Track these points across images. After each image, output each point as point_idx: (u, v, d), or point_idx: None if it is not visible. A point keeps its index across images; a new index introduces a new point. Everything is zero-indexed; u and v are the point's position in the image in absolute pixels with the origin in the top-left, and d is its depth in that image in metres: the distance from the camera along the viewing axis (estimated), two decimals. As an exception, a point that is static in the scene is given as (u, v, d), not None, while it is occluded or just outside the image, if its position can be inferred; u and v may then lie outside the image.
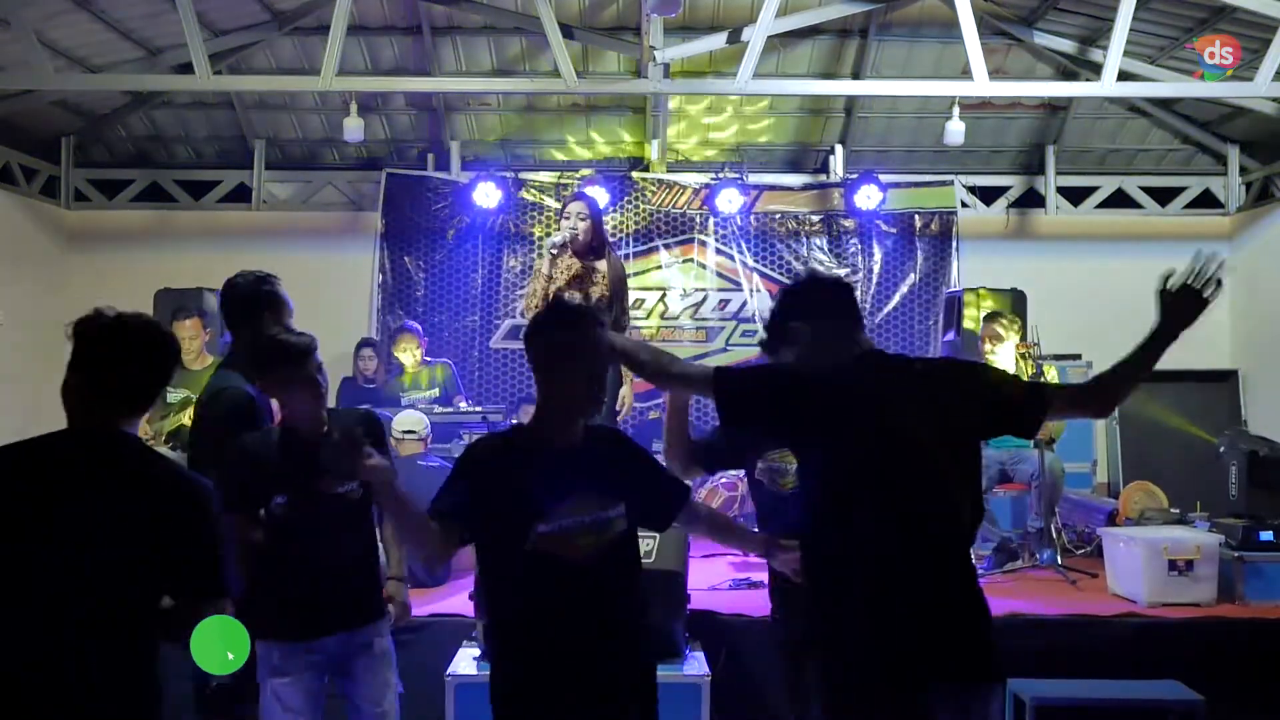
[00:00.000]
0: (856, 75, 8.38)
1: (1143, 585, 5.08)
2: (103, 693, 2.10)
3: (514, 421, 7.47)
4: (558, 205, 8.32)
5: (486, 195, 8.36)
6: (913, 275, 8.86)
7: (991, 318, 6.42)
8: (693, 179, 8.88)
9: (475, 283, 8.82)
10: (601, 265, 5.28)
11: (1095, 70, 7.45)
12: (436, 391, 7.35)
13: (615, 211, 8.75)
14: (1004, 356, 6.24)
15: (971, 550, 2.58)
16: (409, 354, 7.46)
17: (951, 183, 8.93)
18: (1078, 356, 7.78)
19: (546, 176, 8.92)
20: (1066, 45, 8.03)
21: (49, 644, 2.08)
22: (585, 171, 8.81)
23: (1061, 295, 8.25)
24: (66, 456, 2.16)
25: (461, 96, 8.67)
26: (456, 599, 4.97)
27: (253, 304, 3.53)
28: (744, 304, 8.83)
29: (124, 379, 2.22)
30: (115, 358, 2.20)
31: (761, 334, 2.80)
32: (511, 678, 2.54)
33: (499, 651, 2.62)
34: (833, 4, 7.69)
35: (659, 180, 8.89)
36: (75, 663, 2.09)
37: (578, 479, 2.51)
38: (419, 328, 7.79)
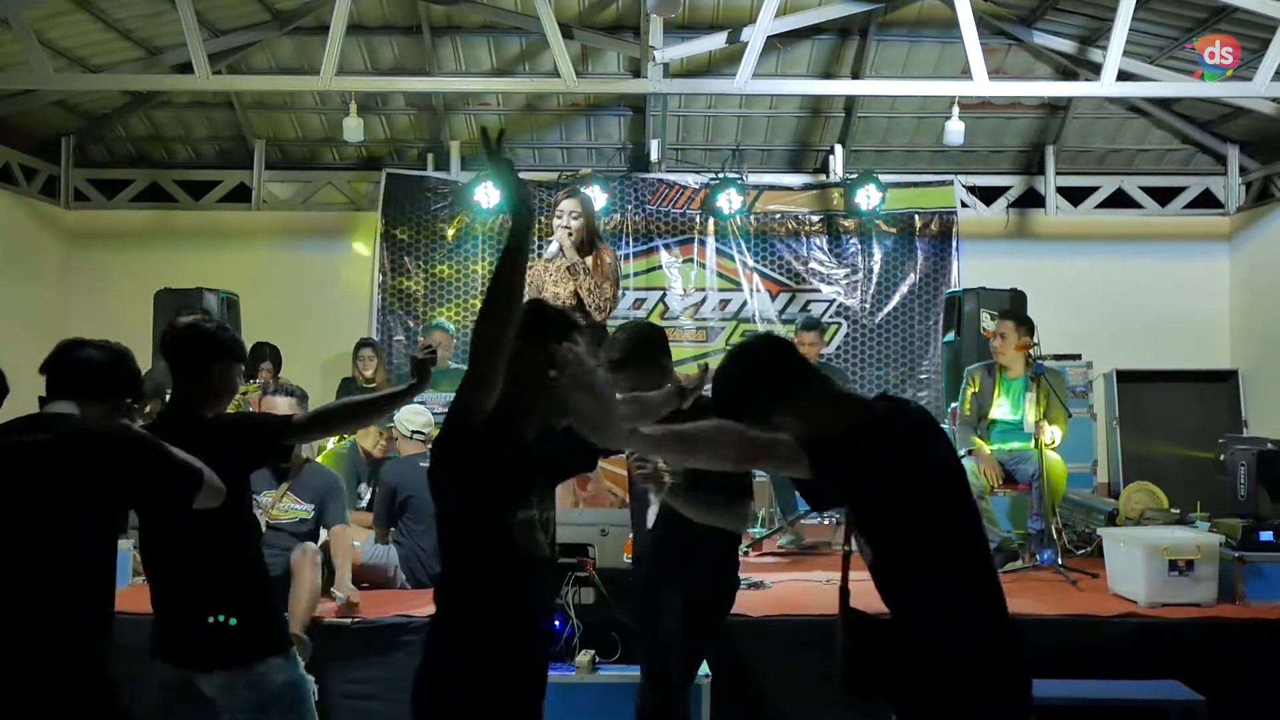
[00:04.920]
0: (856, 75, 8.37)
1: (1143, 585, 5.08)
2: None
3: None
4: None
5: (486, 195, 8.36)
6: (913, 275, 8.85)
7: (1005, 315, 6.42)
8: (693, 179, 8.88)
9: (475, 283, 8.82)
10: (589, 261, 5.26)
11: (1095, 70, 7.45)
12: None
13: (615, 212, 8.75)
14: (1009, 356, 6.24)
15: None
16: (441, 344, 7.51)
17: (951, 183, 8.93)
18: (1078, 356, 7.78)
19: (546, 176, 8.93)
20: (1066, 45, 8.03)
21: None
22: (585, 171, 8.81)
23: (1061, 295, 8.25)
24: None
25: (461, 96, 8.67)
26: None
27: None
28: (744, 304, 8.83)
29: None
30: None
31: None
32: None
33: None
34: (833, 4, 7.69)
35: (659, 180, 8.89)
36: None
37: None
38: (452, 327, 7.82)
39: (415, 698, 2.35)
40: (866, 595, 2.41)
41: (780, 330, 8.73)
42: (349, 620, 4.73)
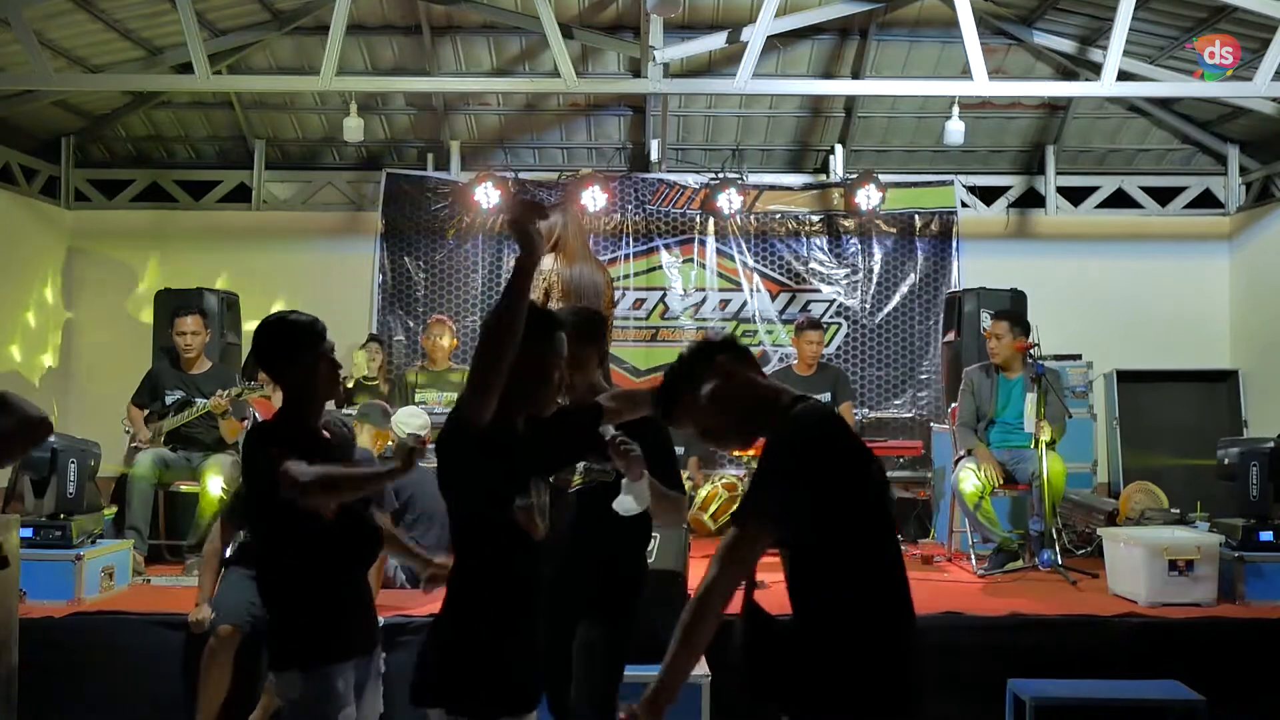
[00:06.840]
0: (856, 75, 8.37)
1: (1143, 585, 5.09)
2: None
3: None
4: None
5: (486, 195, 8.36)
6: (913, 275, 8.85)
7: (999, 316, 6.43)
8: (693, 179, 8.88)
9: (475, 283, 8.82)
10: (545, 263, 5.21)
11: (1095, 70, 7.45)
12: (453, 397, 7.33)
13: (615, 212, 8.76)
14: (1004, 356, 6.25)
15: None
16: (442, 340, 7.50)
17: (951, 183, 8.92)
18: (1078, 356, 7.78)
19: (546, 176, 8.93)
20: (1066, 45, 8.03)
21: None
22: (585, 171, 8.80)
23: (1061, 295, 8.26)
24: None
25: (461, 96, 8.67)
26: (456, 599, 4.96)
27: None
28: (744, 304, 8.83)
29: None
30: None
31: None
32: None
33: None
34: (833, 4, 7.69)
35: (659, 180, 8.89)
36: None
37: None
38: (452, 326, 7.85)
39: (429, 676, 2.51)
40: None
41: (781, 330, 8.74)
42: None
